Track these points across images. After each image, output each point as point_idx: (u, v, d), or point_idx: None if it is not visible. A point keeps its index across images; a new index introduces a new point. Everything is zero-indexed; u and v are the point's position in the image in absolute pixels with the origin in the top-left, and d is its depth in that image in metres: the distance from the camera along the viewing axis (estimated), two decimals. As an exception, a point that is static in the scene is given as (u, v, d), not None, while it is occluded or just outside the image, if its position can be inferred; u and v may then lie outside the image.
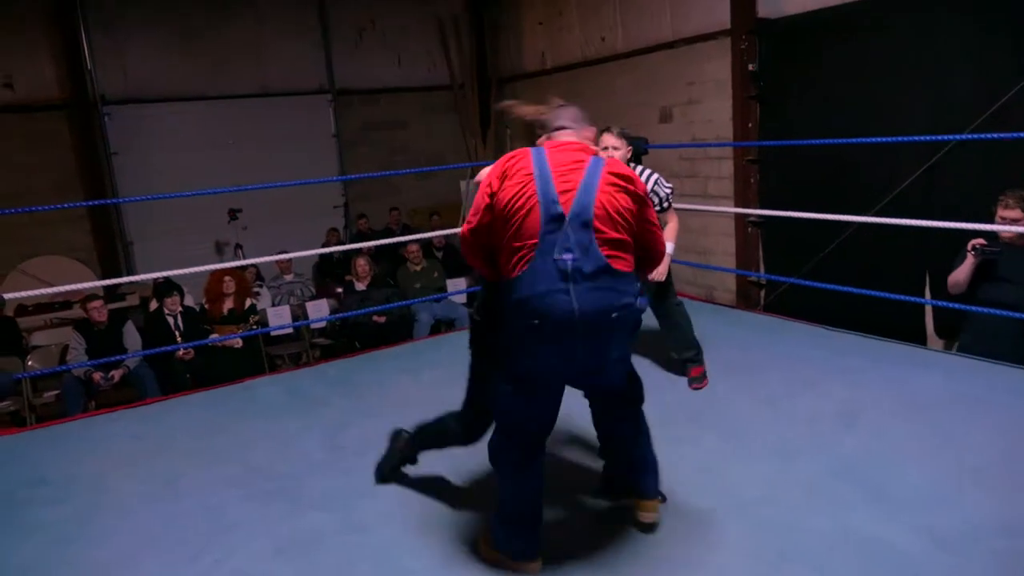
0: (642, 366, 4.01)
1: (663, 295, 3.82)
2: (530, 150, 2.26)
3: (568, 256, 2.11)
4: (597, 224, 2.13)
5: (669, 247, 3.74)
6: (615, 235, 2.16)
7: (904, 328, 4.85)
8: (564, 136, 2.35)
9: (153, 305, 6.40)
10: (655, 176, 3.81)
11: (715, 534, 2.51)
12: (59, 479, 3.23)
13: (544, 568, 2.38)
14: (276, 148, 9.05)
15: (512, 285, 2.17)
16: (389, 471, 2.97)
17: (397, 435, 2.96)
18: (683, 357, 3.85)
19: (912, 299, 4.55)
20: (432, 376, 4.08)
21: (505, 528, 2.37)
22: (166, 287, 6.04)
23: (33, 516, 2.92)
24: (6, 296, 3.87)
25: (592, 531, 2.56)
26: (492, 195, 2.23)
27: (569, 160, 2.21)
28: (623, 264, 2.17)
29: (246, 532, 2.71)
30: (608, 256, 2.13)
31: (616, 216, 2.16)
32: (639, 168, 3.83)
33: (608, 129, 3.66)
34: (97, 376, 5.38)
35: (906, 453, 2.92)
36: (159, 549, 2.64)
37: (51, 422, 4.19)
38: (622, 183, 2.19)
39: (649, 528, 2.52)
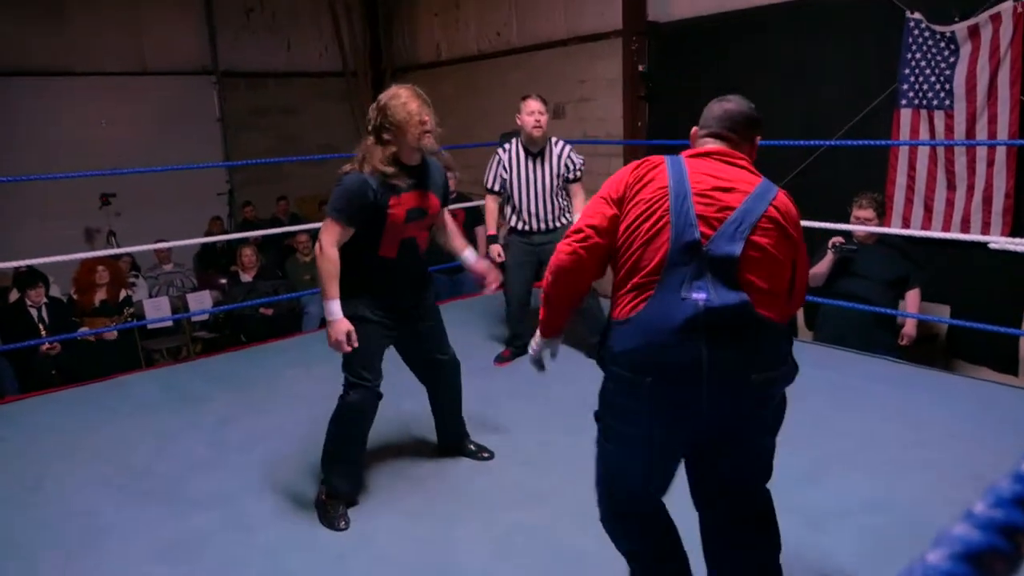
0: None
1: None
2: (665, 157, 1.81)
3: (701, 296, 1.62)
4: (747, 265, 1.64)
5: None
6: (765, 285, 1.66)
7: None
8: (711, 144, 1.85)
9: (13, 295, 5.91)
10: (568, 147, 3.99)
11: (585, 520, 2.58)
12: (-97, 486, 2.94)
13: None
14: (154, 130, 8.54)
15: (619, 320, 1.73)
16: (336, 520, 2.61)
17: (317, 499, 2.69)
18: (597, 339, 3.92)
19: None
20: (323, 371, 3.96)
21: None
22: (29, 277, 5.57)
23: None
24: None
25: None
26: (618, 201, 1.78)
27: (724, 176, 1.74)
28: (774, 314, 1.68)
29: (122, 536, 2.56)
30: (755, 301, 1.64)
31: (774, 259, 1.69)
32: (553, 139, 4.00)
33: (531, 96, 3.87)
34: None
35: (783, 437, 3.10)
36: (23, 557, 2.45)
37: None
38: (789, 223, 1.75)
39: None
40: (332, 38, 9.81)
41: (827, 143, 4.61)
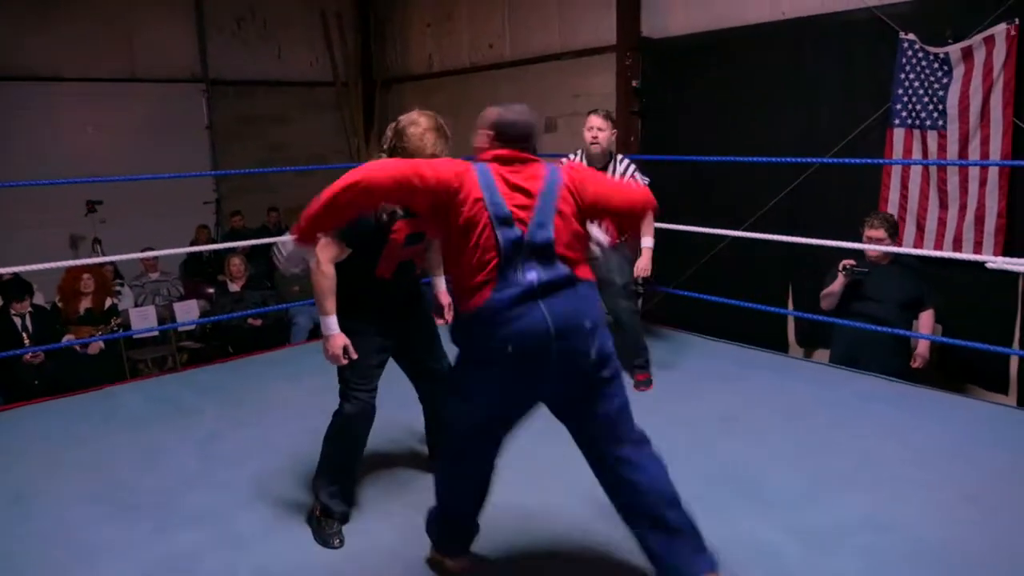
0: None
1: (626, 295, 3.88)
2: (467, 164, 2.08)
3: (532, 276, 1.98)
4: (558, 244, 2.02)
5: (648, 241, 3.81)
6: (574, 255, 2.07)
7: (768, 336, 5.18)
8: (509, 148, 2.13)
9: (-4, 304, 5.80)
10: (632, 166, 3.89)
11: (596, 536, 2.54)
12: None
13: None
14: (142, 137, 8.45)
15: (475, 313, 2.01)
16: (330, 538, 2.58)
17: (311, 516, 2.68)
18: (635, 363, 3.89)
19: (779, 310, 4.87)
20: (313, 383, 3.91)
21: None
22: (14, 287, 5.47)
23: None
24: None
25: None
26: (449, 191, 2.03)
27: (522, 173, 2.07)
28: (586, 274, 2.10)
29: (111, 553, 2.49)
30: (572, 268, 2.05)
31: (575, 231, 2.09)
32: (619, 156, 3.90)
33: (595, 111, 3.78)
34: None
35: (781, 456, 3.10)
36: (7, 572, 2.38)
37: None
38: (579, 193, 2.11)
39: None
40: (323, 47, 9.78)
41: (820, 160, 4.64)
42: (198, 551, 2.50)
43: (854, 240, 3.95)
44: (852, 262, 3.97)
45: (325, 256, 2.39)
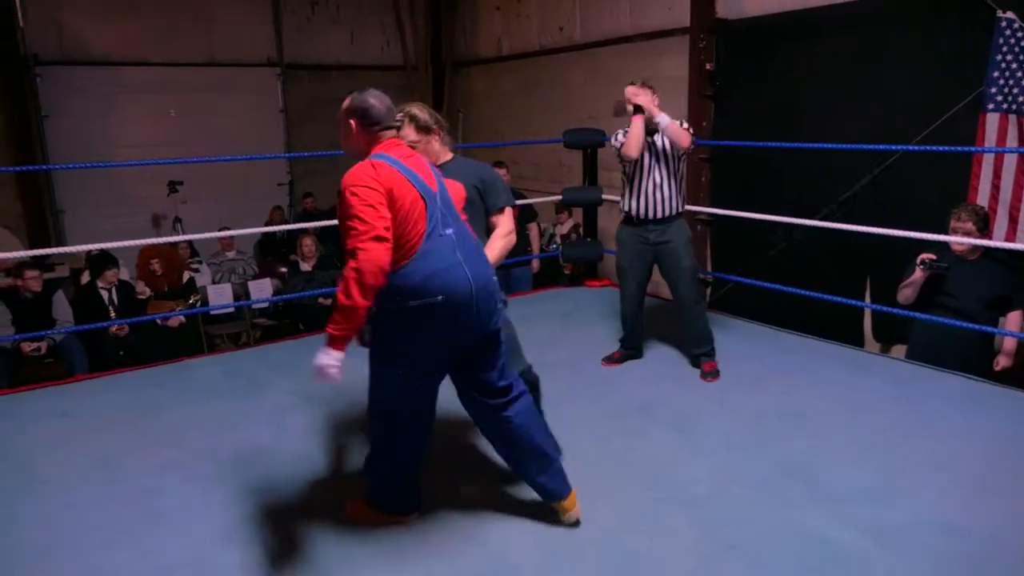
0: (580, 357, 4.05)
1: (693, 277, 3.84)
2: (387, 162, 2.26)
3: (450, 231, 2.28)
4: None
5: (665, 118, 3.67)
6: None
7: (843, 330, 5.01)
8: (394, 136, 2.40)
9: (85, 278, 6.11)
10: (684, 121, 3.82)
11: (663, 527, 2.53)
12: (-20, 459, 3.05)
13: (501, 560, 2.36)
14: (220, 121, 8.74)
15: (408, 268, 2.21)
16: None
17: None
18: (699, 351, 3.86)
19: (854, 303, 4.70)
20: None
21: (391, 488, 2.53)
22: (103, 260, 5.76)
23: (-49, 498, 2.75)
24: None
25: (540, 520, 2.55)
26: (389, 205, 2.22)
27: (407, 153, 2.35)
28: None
29: (185, 518, 2.61)
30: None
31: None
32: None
33: (632, 83, 3.78)
34: (27, 347, 5.10)
35: (848, 452, 3.00)
36: (92, 534, 2.52)
37: (-29, 397, 3.95)
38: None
39: (577, 523, 2.51)
40: (394, 31, 9.90)
41: (904, 148, 4.44)
42: (269, 520, 2.59)
43: (939, 232, 3.76)
44: (932, 256, 3.77)
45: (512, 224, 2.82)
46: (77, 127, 8.06)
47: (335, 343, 2.17)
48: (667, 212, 3.81)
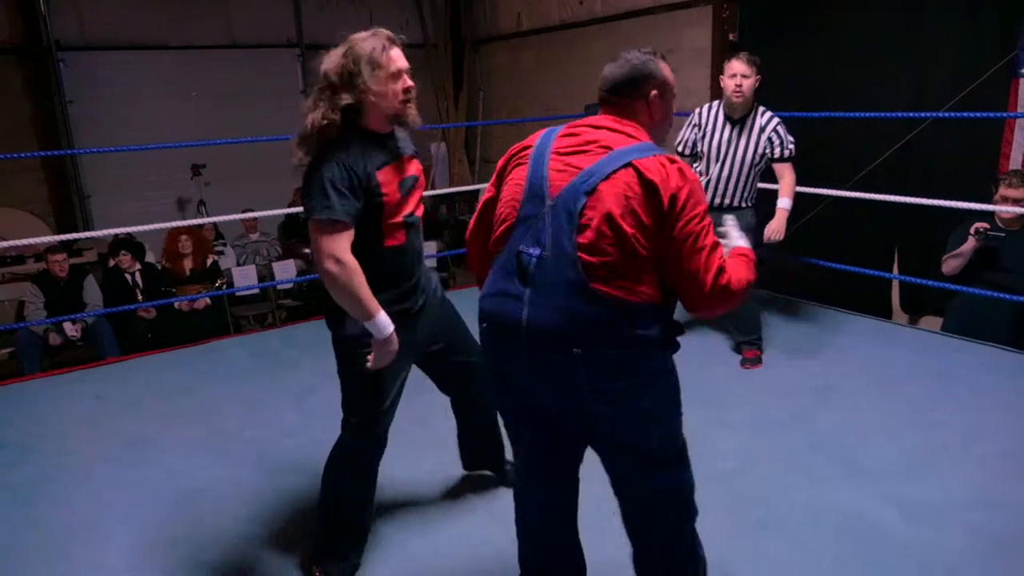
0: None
1: None
2: (541, 131, 1.76)
3: (535, 251, 1.59)
4: (586, 223, 1.55)
5: (785, 203, 3.57)
6: (610, 250, 1.53)
7: (871, 302, 4.92)
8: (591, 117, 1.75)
9: (112, 262, 6.19)
10: (775, 119, 3.54)
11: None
12: (18, 440, 3.12)
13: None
14: (242, 103, 8.73)
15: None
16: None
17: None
18: (745, 339, 3.73)
19: (883, 274, 4.60)
20: (405, 341, 4.01)
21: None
22: (117, 245, 5.80)
23: (-9, 478, 2.81)
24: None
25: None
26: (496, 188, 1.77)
27: (583, 141, 1.65)
28: (620, 291, 1.54)
29: (216, 497, 2.65)
30: (591, 270, 1.54)
31: (624, 226, 1.53)
32: (761, 109, 3.57)
33: (737, 55, 3.44)
34: (55, 339, 5.18)
35: (881, 427, 2.96)
36: (126, 513, 2.56)
37: (7, 381, 4.03)
38: (644, 189, 1.55)
39: None
40: (413, 10, 9.80)
41: (934, 115, 4.32)
42: (297, 498, 2.61)
43: (971, 200, 3.65)
44: (986, 225, 3.63)
45: (341, 247, 1.89)
46: (101, 112, 8.11)
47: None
48: (727, 202, 3.60)
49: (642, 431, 1.68)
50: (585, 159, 1.61)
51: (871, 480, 2.60)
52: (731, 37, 6.03)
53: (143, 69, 8.38)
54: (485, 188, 1.83)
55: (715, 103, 3.65)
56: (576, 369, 1.57)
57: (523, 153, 1.73)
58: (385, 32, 2.06)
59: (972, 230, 3.66)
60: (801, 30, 5.59)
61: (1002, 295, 3.51)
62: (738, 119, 3.53)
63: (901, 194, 4.06)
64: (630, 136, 1.66)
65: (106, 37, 8.15)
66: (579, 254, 1.54)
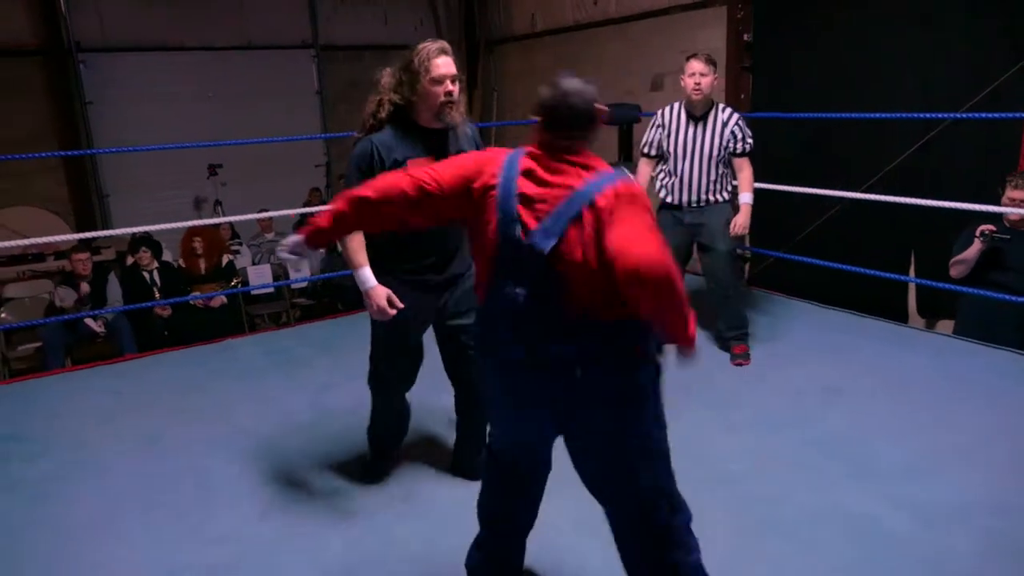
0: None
1: (729, 261, 3.76)
2: (504, 151, 1.83)
3: (520, 291, 1.69)
4: (564, 258, 1.66)
5: (747, 197, 3.69)
6: (588, 277, 1.66)
7: (887, 305, 4.90)
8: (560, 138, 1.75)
9: (130, 260, 6.27)
10: (737, 116, 3.69)
11: (697, 505, 2.50)
12: (36, 435, 3.17)
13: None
14: (257, 103, 8.82)
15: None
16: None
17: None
18: (731, 335, 3.77)
19: (899, 277, 4.58)
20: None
21: None
22: (137, 243, 5.89)
23: (9, 473, 2.87)
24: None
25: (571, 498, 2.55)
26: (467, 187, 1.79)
27: (554, 170, 1.72)
28: (604, 311, 1.67)
29: (231, 493, 2.69)
30: (578, 297, 1.67)
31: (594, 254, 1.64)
32: (721, 106, 3.72)
33: (695, 55, 3.61)
34: (97, 325, 5.29)
35: (890, 430, 2.95)
36: (142, 509, 2.61)
37: (27, 376, 4.10)
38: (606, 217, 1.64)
39: None
40: (428, 10, 9.85)
41: (953, 116, 4.29)
42: (311, 495, 2.65)
43: (988, 203, 3.63)
44: (992, 228, 3.63)
45: None
46: (119, 112, 8.21)
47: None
48: (704, 200, 3.72)
49: None
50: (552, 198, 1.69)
51: (880, 482, 2.60)
52: (745, 38, 6.02)
53: (161, 70, 8.47)
54: (432, 174, 1.82)
55: (676, 104, 3.77)
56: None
57: (491, 190, 1.75)
58: (441, 43, 2.46)
59: (977, 232, 3.65)
60: (816, 30, 5.57)
61: (1008, 297, 3.50)
62: (700, 116, 3.67)
63: (917, 196, 4.04)
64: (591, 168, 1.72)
65: (125, 38, 8.25)
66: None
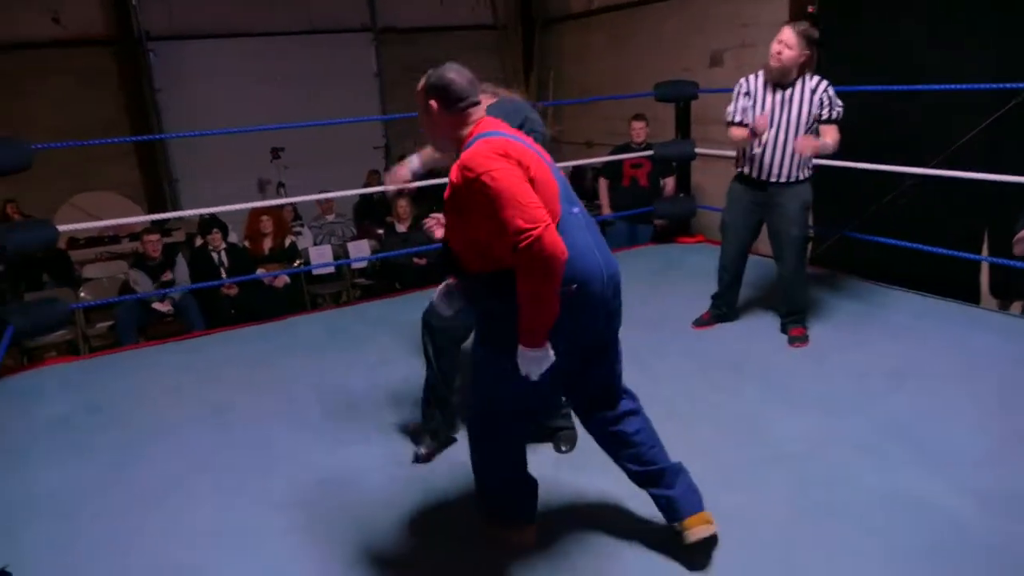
0: (671, 314, 3.98)
1: (801, 246, 3.65)
2: (493, 137, 1.96)
3: (576, 209, 2.02)
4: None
5: (827, 141, 3.47)
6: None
7: (957, 285, 4.71)
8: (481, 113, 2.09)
9: (199, 241, 6.50)
10: (825, 82, 3.50)
11: (756, 485, 2.49)
12: (113, 406, 3.34)
13: (576, 522, 2.40)
14: (319, 87, 8.97)
15: None
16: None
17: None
18: (789, 318, 3.69)
19: (970, 256, 4.40)
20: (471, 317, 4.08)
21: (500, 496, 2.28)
22: (207, 224, 6.11)
23: (89, 440, 3.03)
24: (59, 228, 3.93)
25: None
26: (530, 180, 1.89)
27: (513, 131, 2.09)
28: None
29: (293, 462, 2.78)
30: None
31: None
32: (808, 75, 3.52)
33: (790, 23, 3.44)
34: (165, 306, 5.52)
35: (958, 415, 2.86)
36: (209, 475, 2.73)
37: (104, 351, 4.31)
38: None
39: (707, 547, 2.13)
40: (483, -10, 9.84)
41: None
42: (367, 466, 2.72)
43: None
44: None
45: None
46: (187, 99, 8.48)
47: (531, 343, 1.88)
48: (786, 176, 3.56)
49: None
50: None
51: (946, 468, 2.52)
52: (810, 9, 5.83)
53: (226, 56, 8.71)
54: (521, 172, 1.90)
55: (758, 73, 3.60)
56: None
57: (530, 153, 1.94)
58: None
59: None
60: (884, 0, 5.35)
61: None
62: (787, 84, 3.48)
63: (992, 172, 3.86)
64: None
65: (192, 27, 8.50)
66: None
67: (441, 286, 2.06)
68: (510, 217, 1.78)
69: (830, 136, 3.51)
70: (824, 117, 3.51)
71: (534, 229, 1.77)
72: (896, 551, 2.15)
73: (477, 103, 2.06)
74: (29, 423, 3.21)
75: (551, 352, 1.91)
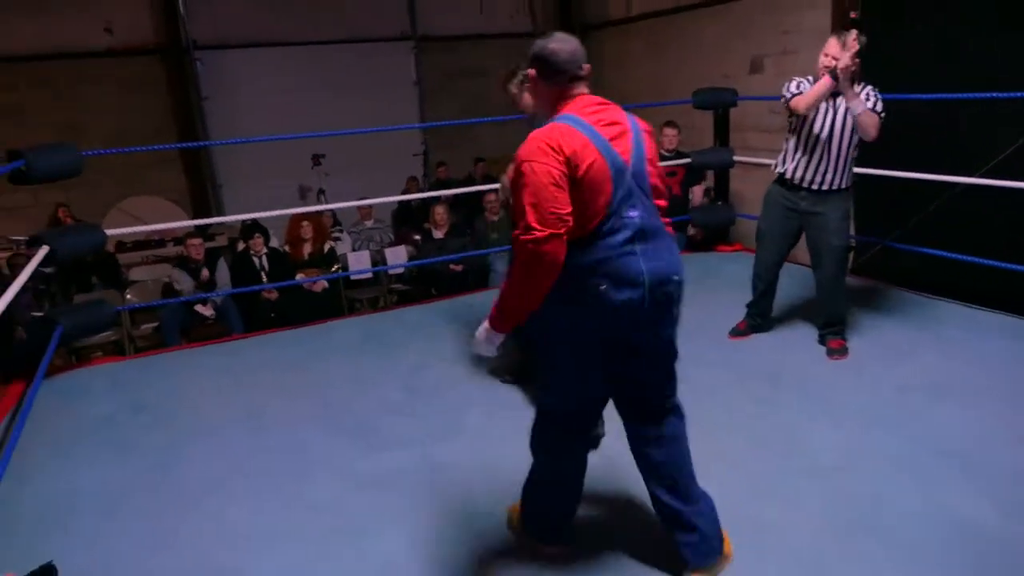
0: (707, 323, 3.94)
1: (842, 256, 3.58)
2: (563, 123, 1.92)
3: (635, 213, 1.94)
4: (649, 178, 2.02)
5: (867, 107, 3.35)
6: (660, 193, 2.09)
7: (1005, 297, 4.57)
8: (581, 89, 2.01)
9: (240, 246, 6.64)
10: (870, 89, 3.45)
11: (791, 498, 2.45)
12: (155, 406, 3.43)
13: (609, 514, 2.39)
14: (359, 95, 9.11)
15: (577, 248, 1.91)
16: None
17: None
18: (828, 330, 3.63)
19: (1019, 268, 4.27)
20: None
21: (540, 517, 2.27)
22: (250, 229, 6.24)
23: (132, 440, 3.11)
24: (107, 232, 4.05)
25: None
26: (571, 178, 1.87)
27: (607, 116, 1.98)
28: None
29: (327, 466, 2.82)
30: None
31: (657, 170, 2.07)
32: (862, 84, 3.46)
33: (836, 34, 3.41)
34: (207, 309, 5.65)
35: (1000, 430, 2.78)
36: (246, 478, 2.78)
37: (149, 352, 4.42)
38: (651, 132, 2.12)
39: None
40: (523, -1, 9.89)
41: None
42: (401, 471, 2.75)
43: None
44: None
45: None
46: (231, 106, 8.68)
47: (495, 325, 2.00)
48: (828, 184, 3.49)
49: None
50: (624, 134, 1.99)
51: (988, 485, 2.45)
52: (852, 15, 5.71)
53: (269, 65, 8.90)
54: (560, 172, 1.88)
55: (798, 83, 3.54)
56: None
57: (591, 152, 1.90)
58: None
59: None
60: (927, 6, 5.24)
61: None
62: (836, 92, 3.41)
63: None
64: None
65: (236, 36, 8.71)
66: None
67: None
68: (526, 210, 1.84)
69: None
70: (868, 107, 3.40)
71: (539, 232, 1.82)
72: (934, 571, 2.09)
73: (578, 77, 1.99)
74: (76, 421, 3.30)
75: (498, 342, 2.03)
